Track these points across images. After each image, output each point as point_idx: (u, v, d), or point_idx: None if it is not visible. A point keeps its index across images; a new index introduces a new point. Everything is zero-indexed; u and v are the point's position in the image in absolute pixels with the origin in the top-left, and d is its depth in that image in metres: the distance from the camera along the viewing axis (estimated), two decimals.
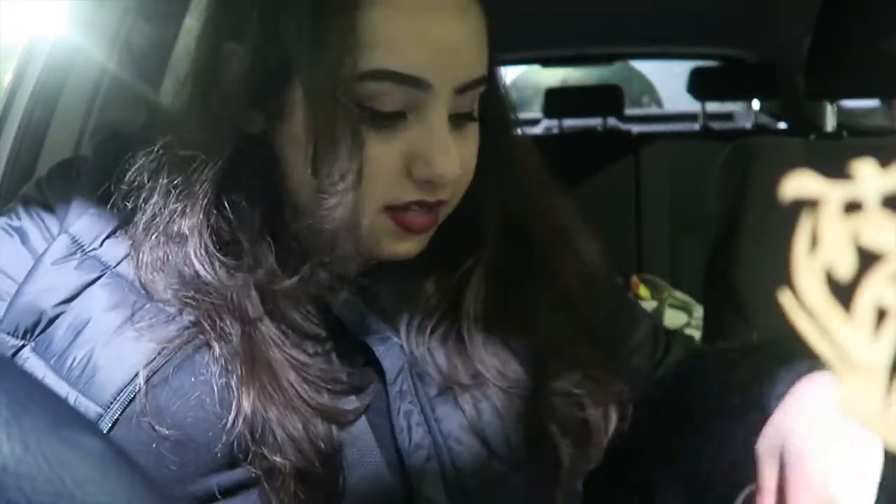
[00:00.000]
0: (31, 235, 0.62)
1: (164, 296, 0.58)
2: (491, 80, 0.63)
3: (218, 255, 0.58)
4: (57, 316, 0.58)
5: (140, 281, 0.59)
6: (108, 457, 0.28)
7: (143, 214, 0.59)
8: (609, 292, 0.76)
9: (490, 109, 0.64)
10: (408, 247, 0.61)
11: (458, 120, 0.59)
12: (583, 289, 0.68)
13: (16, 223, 0.62)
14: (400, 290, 0.64)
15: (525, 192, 0.68)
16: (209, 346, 0.57)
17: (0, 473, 0.25)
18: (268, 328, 0.58)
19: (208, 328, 0.57)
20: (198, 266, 0.58)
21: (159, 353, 0.56)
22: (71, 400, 0.56)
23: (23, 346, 0.58)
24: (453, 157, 0.57)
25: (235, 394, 0.55)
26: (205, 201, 0.58)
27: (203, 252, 0.58)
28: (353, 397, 0.59)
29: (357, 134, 0.55)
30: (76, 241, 0.61)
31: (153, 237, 0.59)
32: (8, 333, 0.58)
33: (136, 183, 0.60)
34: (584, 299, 0.68)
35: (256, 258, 0.58)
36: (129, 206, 0.60)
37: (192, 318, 0.58)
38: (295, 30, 0.55)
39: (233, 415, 0.55)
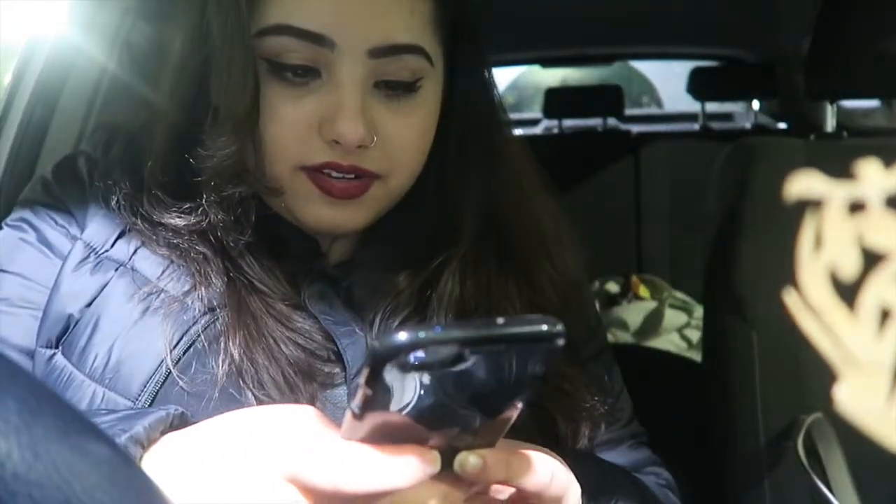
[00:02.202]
0: (56, 243, 0.62)
1: (164, 253, 0.60)
2: (469, 71, 0.63)
3: (174, 202, 0.61)
4: (80, 318, 0.59)
5: (150, 270, 0.60)
6: (116, 463, 0.28)
7: (128, 198, 0.62)
8: (580, 302, 0.74)
9: (472, 104, 0.64)
10: (333, 215, 0.60)
11: (389, 89, 0.59)
12: (557, 296, 0.68)
13: (32, 235, 0.63)
14: (373, 284, 0.64)
15: (508, 193, 0.68)
16: (225, 332, 0.58)
17: (10, 481, 0.25)
18: (248, 279, 0.60)
19: (195, 273, 0.59)
20: (166, 216, 0.60)
21: (180, 340, 0.57)
22: (98, 397, 0.56)
23: (54, 353, 0.59)
24: (356, 120, 0.57)
25: (223, 339, 0.57)
26: (160, 161, 0.61)
27: (162, 203, 0.61)
28: (331, 364, 0.60)
29: (251, 78, 0.56)
30: (89, 245, 0.62)
31: (143, 203, 0.61)
32: (43, 347, 0.59)
33: (129, 177, 0.63)
34: (558, 307, 0.67)
35: (209, 206, 0.60)
36: (129, 189, 0.62)
37: (206, 305, 0.59)
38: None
39: (221, 355, 0.56)
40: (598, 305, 2.24)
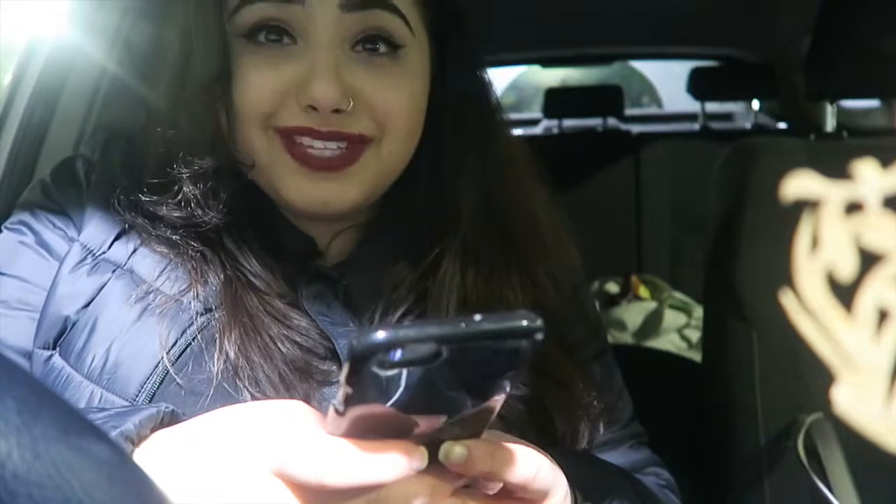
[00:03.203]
0: (54, 245, 0.63)
1: (162, 250, 0.61)
2: (464, 67, 0.64)
3: (172, 195, 0.61)
4: (77, 320, 0.59)
5: (148, 271, 0.60)
6: (116, 463, 0.28)
7: (127, 193, 0.62)
8: (580, 302, 0.74)
9: (468, 103, 0.65)
10: (321, 190, 0.60)
11: (370, 50, 0.59)
12: (556, 296, 0.68)
13: (31, 238, 0.63)
14: (371, 283, 0.64)
15: (508, 193, 0.68)
16: (220, 330, 0.58)
17: (10, 481, 0.25)
18: (244, 276, 0.60)
19: (192, 271, 0.59)
20: (164, 209, 0.61)
21: (177, 341, 0.57)
22: (96, 398, 0.57)
23: (52, 354, 0.59)
24: (329, 81, 0.56)
25: (218, 337, 0.57)
26: (159, 160, 0.61)
27: (155, 197, 0.61)
28: (329, 362, 0.60)
29: (219, 43, 0.57)
30: (86, 247, 0.62)
31: (139, 207, 0.61)
32: (40, 348, 0.60)
33: (128, 175, 0.63)
34: (558, 307, 0.67)
35: (181, 180, 0.60)
36: (126, 196, 0.62)
37: (203, 305, 0.59)
38: None
39: (216, 353, 0.56)
40: (597, 305, 2.24)
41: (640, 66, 4.56)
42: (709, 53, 2.89)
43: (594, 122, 2.97)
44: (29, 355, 0.60)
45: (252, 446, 0.41)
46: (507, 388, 0.39)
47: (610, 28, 2.46)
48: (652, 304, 2.29)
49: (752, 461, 1.07)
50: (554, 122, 3.09)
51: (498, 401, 0.40)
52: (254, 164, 0.60)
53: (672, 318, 2.22)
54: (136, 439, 0.44)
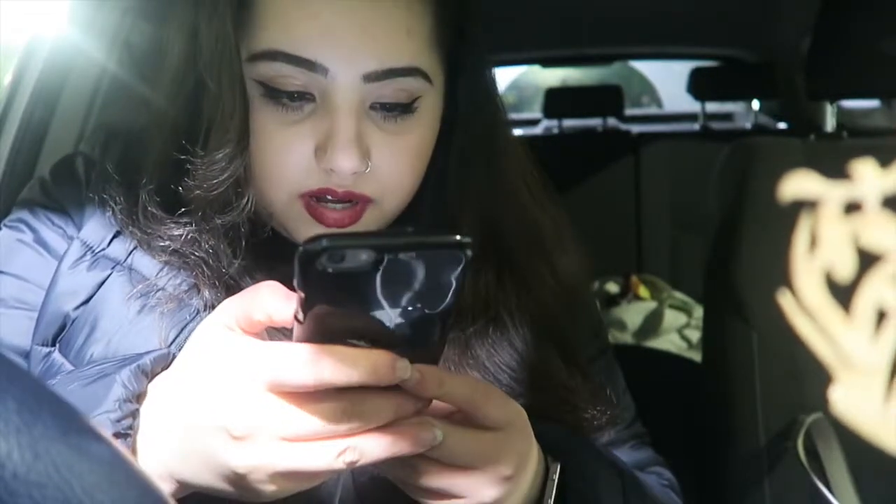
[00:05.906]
0: (53, 243, 0.63)
1: (162, 259, 0.61)
2: (472, 79, 0.63)
3: (169, 216, 0.61)
4: (77, 317, 0.59)
5: (148, 269, 0.60)
6: (116, 463, 0.28)
7: (123, 212, 0.62)
8: (582, 305, 0.73)
9: (475, 111, 0.63)
10: None
11: (386, 111, 0.58)
12: (557, 303, 0.67)
13: (29, 236, 0.63)
14: None
15: (508, 198, 0.67)
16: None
17: (10, 481, 0.25)
18: (244, 284, 0.60)
19: (199, 274, 0.60)
20: (162, 229, 0.61)
21: (178, 336, 0.57)
22: None
23: (51, 351, 0.59)
24: (350, 150, 0.56)
25: None
26: (156, 178, 0.61)
27: (157, 214, 0.61)
28: None
29: (241, 107, 0.56)
30: (86, 243, 0.62)
31: (139, 216, 0.61)
32: (39, 345, 0.60)
33: (125, 192, 0.62)
34: (559, 313, 0.67)
35: (200, 234, 0.60)
36: (124, 202, 0.62)
37: (206, 303, 0.59)
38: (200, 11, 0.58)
39: None
40: (598, 305, 2.24)
41: (640, 66, 4.57)
42: (709, 53, 2.89)
43: (594, 122, 2.97)
44: (26, 354, 0.60)
45: (245, 368, 0.43)
46: (449, 313, 0.43)
47: (610, 28, 2.46)
48: (652, 304, 2.29)
49: (752, 461, 1.08)
50: (554, 122, 3.09)
51: (443, 329, 0.44)
52: (272, 217, 0.60)
53: (672, 318, 2.22)
54: (150, 375, 0.48)
